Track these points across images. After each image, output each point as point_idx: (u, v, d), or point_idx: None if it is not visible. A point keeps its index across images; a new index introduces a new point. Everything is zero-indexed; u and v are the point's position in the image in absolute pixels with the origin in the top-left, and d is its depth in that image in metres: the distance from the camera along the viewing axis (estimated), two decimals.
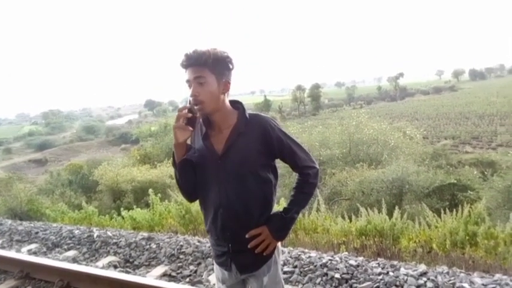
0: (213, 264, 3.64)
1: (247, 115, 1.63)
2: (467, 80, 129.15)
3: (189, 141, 1.66)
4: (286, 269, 3.33)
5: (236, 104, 1.68)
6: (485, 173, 10.97)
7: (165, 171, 13.39)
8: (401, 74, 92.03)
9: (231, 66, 1.60)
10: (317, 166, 1.72)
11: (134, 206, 6.92)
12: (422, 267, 3.22)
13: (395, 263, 3.38)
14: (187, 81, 1.55)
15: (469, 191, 9.41)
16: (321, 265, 3.30)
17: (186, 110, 1.54)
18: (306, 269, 3.31)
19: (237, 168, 1.59)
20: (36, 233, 5.26)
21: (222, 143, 1.60)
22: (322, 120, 37.73)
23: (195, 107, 1.55)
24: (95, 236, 4.77)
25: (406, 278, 3.00)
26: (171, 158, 1.70)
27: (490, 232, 4.21)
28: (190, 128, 1.56)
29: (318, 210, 5.41)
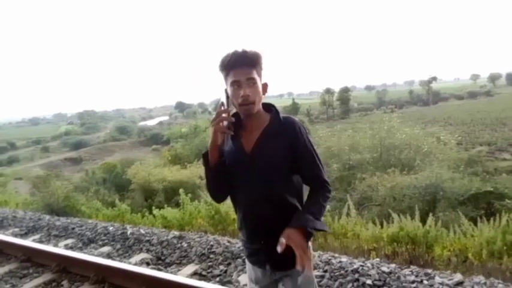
0: (243, 265, 3.70)
1: (280, 117, 1.64)
2: (504, 84, 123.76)
3: None
4: (316, 273, 3.28)
5: (269, 107, 1.70)
6: None
7: (195, 171, 13.60)
8: (434, 78, 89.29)
9: (264, 68, 1.63)
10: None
11: (165, 205, 7.06)
12: (458, 277, 3.12)
13: (429, 271, 3.28)
14: (235, 82, 1.55)
15: (506, 200, 9.03)
16: (352, 270, 3.25)
17: (227, 113, 1.55)
18: (336, 273, 3.27)
19: (265, 170, 1.60)
20: (73, 228, 5.45)
21: (251, 144, 1.62)
22: (351, 124, 37.21)
23: (244, 107, 1.57)
24: (128, 233, 4.90)
25: (441, 287, 2.92)
26: (202, 159, 1.68)
27: None
28: (232, 132, 1.58)
29: (348, 215, 5.34)
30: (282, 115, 1.66)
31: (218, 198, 1.78)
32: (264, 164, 1.59)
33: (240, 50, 1.57)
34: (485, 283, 3.00)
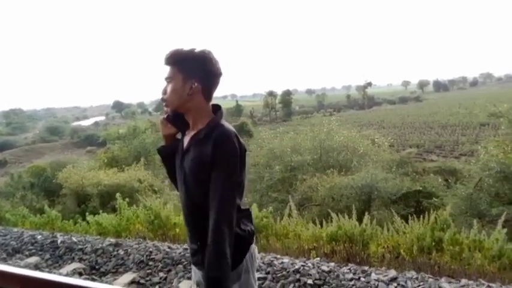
0: (184, 271, 3.59)
1: (214, 125, 1.54)
2: (431, 91, 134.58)
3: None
4: (258, 275, 3.28)
5: (216, 109, 1.63)
6: (449, 180, 11.39)
7: (134, 174, 13.05)
8: (369, 84, 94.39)
9: (208, 68, 1.55)
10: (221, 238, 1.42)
11: (100, 211, 6.67)
12: (392, 273, 3.27)
13: (365, 268, 3.42)
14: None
15: (433, 198, 9.74)
16: (293, 271, 3.29)
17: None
18: (278, 275, 3.29)
19: (188, 172, 1.57)
20: None
21: (188, 143, 1.61)
22: (293, 127, 38.07)
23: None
24: (59, 241, 4.57)
25: (377, 283, 3.04)
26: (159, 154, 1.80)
27: (455, 238, 4.34)
28: (169, 125, 1.66)
29: (289, 215, 5.41)
30: (222, 122, 1.55)
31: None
32: (188, 166, 1.57)
33: (171, 49, 1.56)
34: (416, 278, 3.18)
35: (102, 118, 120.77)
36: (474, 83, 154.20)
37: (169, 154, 1.71)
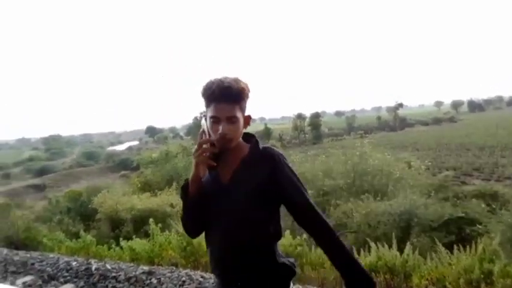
0: None
1: (260, 148, 1.55)
2: (465, 111, 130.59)
3: None
4: None
5: (249, 137, 1.61)
6: (493, 206, 10.78)
7: (166, 199, 13.16)
8: (400, 105, 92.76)
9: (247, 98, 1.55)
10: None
11: (133, 236, 6.71)
12: None
13: None
14: (214, 117, 1.46)
15: (477, 225, 9.23)
16: None
17: (209, 144, 1.46)
18: None
19: (241, 199, 1.49)
20: (33, 264, 5.06)
21: (228, 175, 1.52)
22: (323, 149, 37.67)
23: (221, 143, 1.48)
24: (93, 268, 4.58)
25: None
26: (181, 192, 1.58)
27: (506, 270, 4.04)
28: (215, 164, 1.48)
29: None
30: (261, 145, 1.57)
31: (194, 233, 1.65)
32: (241, 194, 1.48)
33: (224, 82, 1.45)
34: None
35: (136, 143, 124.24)
36: (511, 103, 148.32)
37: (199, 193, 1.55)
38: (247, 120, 1.55)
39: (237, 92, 1.45)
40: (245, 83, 1.50)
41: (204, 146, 1.45)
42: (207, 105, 1.49)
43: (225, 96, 1.44)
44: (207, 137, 1.48)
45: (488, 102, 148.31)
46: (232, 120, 1.46)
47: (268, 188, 1.50)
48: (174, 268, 4.62)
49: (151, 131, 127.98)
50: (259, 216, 1.51)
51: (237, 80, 1.48)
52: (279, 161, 1.53)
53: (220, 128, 1.45)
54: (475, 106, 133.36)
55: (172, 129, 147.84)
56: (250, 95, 1.53)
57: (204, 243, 1.68)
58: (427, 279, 4.41)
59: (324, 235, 1.52)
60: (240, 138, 1.56)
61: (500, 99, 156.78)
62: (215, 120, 1.46)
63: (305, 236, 5.18)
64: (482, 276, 4.08)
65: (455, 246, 4.61)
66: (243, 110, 1.51)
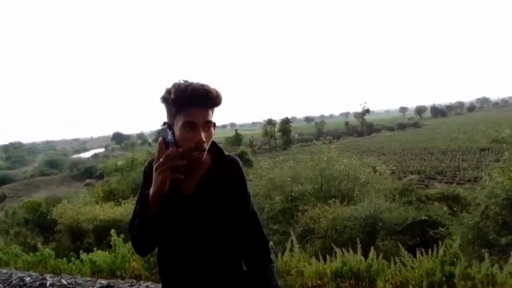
0: None
1: (225, 155, 1.49)
2: (429, 116, 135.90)
3: None
4: None
5: (211, 145, 1.48)
6: (455, 209, 11.14)
7: (130, 208, 12.78)
8: (367, 111, 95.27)
9: None
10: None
11: (95, 248, 6.43)
12: None
13: None
14: (190, 123, 1.32)
15: (439, 228, 9.49)
16: None
17: (177, 155, 1.29)
18: None
19: (210, 216, 1.41)
20: None
21: (191, 187, 1.41)
22: (293, 155, 38.06)
23: (196, 154, 1.35)
24: (47, 284, 4.33)
25: None
26: (138, 206, 1.43)
27: (466, 273, 4.12)
28: (182, 177, 1.32)
29: (291, 250, 5.17)
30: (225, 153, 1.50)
31: (147, 250, 1.49)
32: (209, 206, 1.39)
33: (199, 85, 1.32)
34: None
35: (102, 150, 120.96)
36: (471, 108, 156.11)
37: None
38: (214, 127, 1.43)
39: (216, 97, 1.34)
40: (217, 88, 1.41)
41: (172, 158, 1.28)
42: (178, 111, 1.34)
43: (204, 99, 1.32)
44: (175, 147, 1.30)
45: (450, 107, 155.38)
46: (208, 126, 1.36)
47: (236, 197, 1.46)
48: (135, 281, 4.44)
49: (118, 137, 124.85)
50: (231, 229, 1.44)
51: (209, 85, 1.37)
52: (243, 169, 1.50)
53: (200, 135, 1.33)
54: (437, 112, 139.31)
55: (140, 136, 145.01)
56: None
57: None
58: (391, 283, 4.44)
59: (260, 255, 1.52)
60: None
61: (461, 104, 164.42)
62: (191, 126, 1.32)
63: (271, 243, 5.10)
64: (443, 279, 4.15)
65: (418, 250, 4.69)
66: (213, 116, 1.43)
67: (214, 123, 1.40)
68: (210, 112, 1.36)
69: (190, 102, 1.30)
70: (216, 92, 1.35)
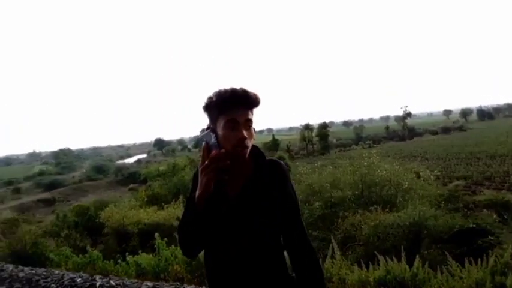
0: None
1: (266, 159, 1.52)
2: (475, 119, 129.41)
3: None
4: None
5: (253, 149, 1.52)
6: (505, 216, 10.54)
7: (173, 212, 13.10)
8: (409, 114, 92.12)
9: None
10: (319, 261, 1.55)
11: (140, 251, 6.67)
12: None
13: None
14: (232, 121, 1.39)
15: (489, 236, 9.02)
16: None
17: (222, 157, 1.33)
18: None
19: (253, 219, 1.44)
20: (37, 280, 5.01)
21: (236, 190, 1.45)
22: (331, 160, 37.48)
23: (239, 151, 1.40)
24: (97, 285, 4.52)
25: None
26: (187, 208, 1.47)
27: None
28: (227, 177, 1.36)
29: (332, 257, 5.11)
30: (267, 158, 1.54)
31: (193, 251, 1.54)
32: (253, 213, 1.43)
33: (238, 89, 1.41)
34: None
35: (145, 156, 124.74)
36: None
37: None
38: (254, 131, 1.50)
39: (254, 97, 1.42)
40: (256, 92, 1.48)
41: (217, 160, 1.32)
42: (220, 113, 1.41)
43: (244, 99, 1.40)
44: (219, 149, 1.36)
45: (498, 110, 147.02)
46: (249, 123, 1.42)
47: (278, 201, 1.47)
48: (179, 284, 4.55)
49: (159, 143, 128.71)
50: (273, 231, 1.47)
51: (248, 88, 1.45)
52: (287, 173, 1.52)
53: (241, 132, 1.38)
54: (484, 114, 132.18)
55: (181, 142, 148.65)
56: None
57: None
58: None
59: (305, 259, 1.50)
60: None
61: (510, 106, 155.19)
62: (233, 124, 1.38)
63: None
64: None
65: (466, 259, 4.50)
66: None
67: (254, 127, 1.47)
68: (250, 113, 1.42)
69: (231, 102, 1.38)
70: (255, 94, 1.42)
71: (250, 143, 1.42)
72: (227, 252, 1.46)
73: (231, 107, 1.38)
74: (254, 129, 1.48)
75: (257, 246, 1.44)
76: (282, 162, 1.55)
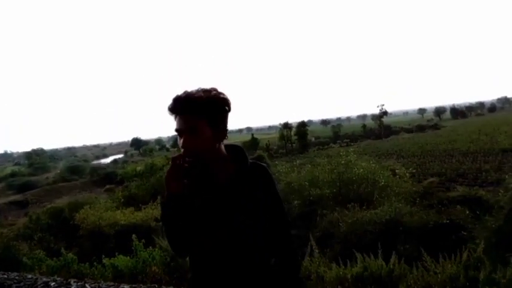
0: None
1: (248, 161, 1.51)
2: (448, 118, 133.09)
3: None
4: None
5: (233, 150, 1.52)
6: (477, 212, 10.87)
7: (150, 213, 12.91)
8: (385, 113, 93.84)
9: (227, 109, 1.44)
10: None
11: (116, 253, 6.55)
12: None
13: None
14: (177, 130, 1.39)
15: (462, 232, 9.29)
16: None
17: (181, 160, 1.36)
18: None
19: (242, 224, 1.45)
20: (10, 285, 4.88)
21: (216, 189, 1.46)
22: (310, 159, 37.80)
23: (187, 160, 1.38)
24: None
25: None
26: (161, 209, 1.49)
27: (491, 278, 4.03)
28: (185, 181, 1.38)
29: (311, 255, 5.15)
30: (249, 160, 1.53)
31: (184, 250, 1.51)
32: (232, 210, 1.42)
33: (183, 94, 1.37)
34: None
35: (121, 156, 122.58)
36: (492, 109, 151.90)
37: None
38: (223, 133, 1.44)
39: (194, 101, 1.35)
40: (218, 94, 1.40)
41: (177, 162, 1.35)
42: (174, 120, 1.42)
43: (184, 106, 1.36)
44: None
45: (470, 108, 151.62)
46: (193, 130, 1.36)
47: (262, 202, 1.48)
48: (156, 286, 4.49)
49: (136, 143, 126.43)
50: (256, 232, 1.47)
51: (206, 91, 1.39)
52: (271, 176, 1.54)
53: (181, 141, 1.38)
54: (457, 113, 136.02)
55: (158, 141, 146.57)
56: (230, 107, 1.45)
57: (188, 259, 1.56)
58: None
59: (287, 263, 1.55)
60: (225, 153, 1.48)
61: (481, 105, 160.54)
62: (178, 133, 1.40)
63: None
64: (467, 284, 4.08)
65: (440, 254, 4.61)
66: (213, 121, 1.39)
67: (223, 128, 1.43)
68: (197, 117, 1.36)
69: (175, 111, 1.39)
70: (202, 97, 1.36)
71: (197, 149, 1.37)
72: (204, 243, 1.45)
73: (176, 115, 1.39)
74: (222, 129, 1.43)
75: (237, 244, 1.43)
76: (264, 165, 1.56)
